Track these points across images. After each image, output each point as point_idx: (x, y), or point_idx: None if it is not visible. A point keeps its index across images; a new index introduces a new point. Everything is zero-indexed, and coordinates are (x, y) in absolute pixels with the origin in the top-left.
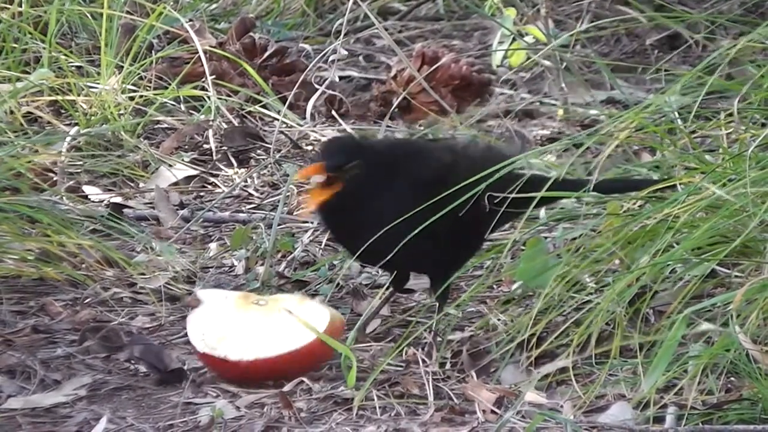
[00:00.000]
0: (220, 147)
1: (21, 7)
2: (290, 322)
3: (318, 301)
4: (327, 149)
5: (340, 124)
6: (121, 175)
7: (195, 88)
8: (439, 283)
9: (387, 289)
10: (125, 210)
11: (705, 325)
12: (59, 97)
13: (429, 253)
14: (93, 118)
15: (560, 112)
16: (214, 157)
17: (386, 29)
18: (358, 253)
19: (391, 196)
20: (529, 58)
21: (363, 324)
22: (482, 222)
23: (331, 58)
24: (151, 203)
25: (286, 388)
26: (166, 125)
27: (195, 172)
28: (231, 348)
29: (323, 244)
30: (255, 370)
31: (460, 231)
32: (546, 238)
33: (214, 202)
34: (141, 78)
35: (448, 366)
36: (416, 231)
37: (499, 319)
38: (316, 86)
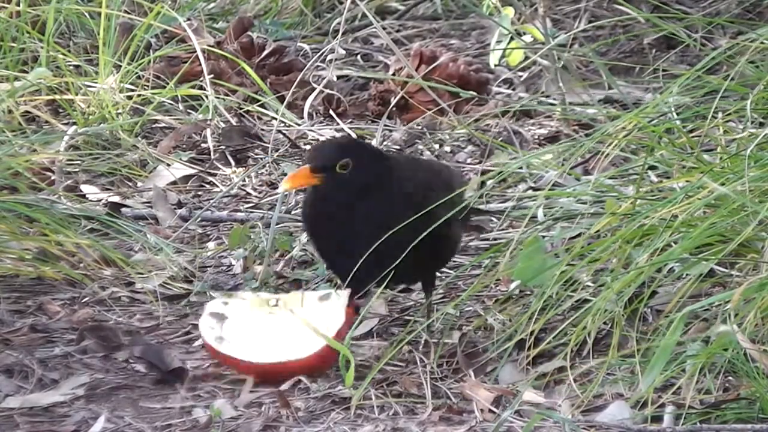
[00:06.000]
0: (218, 146)
1: (19, 6)
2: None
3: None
4: (316, 149)
5: (338, 124)
6: (119, 174)
7: (193, 87)
8: (429, 285)
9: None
10: (123, 209)
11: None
12: (57, 97)
13: (419, 265)
14: (91, 117)
15: (558, 111)
16: (212, 157)
17: (384, 28)
18: (349, 277)
19: (380, 205)
20: (527, 58)
21: (357, 326)
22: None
23: (328, 58)
24: (149, 202)
25: (284, 387)
26: (164, 124)
27: (193, 172)
28: (239, 348)
29: None
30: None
31: (443, 241)
32: (544, 237)
33: (212, 201)
34: (139, 77)
35: (445, 365)
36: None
37: (496, 319)
38: (314, 85)
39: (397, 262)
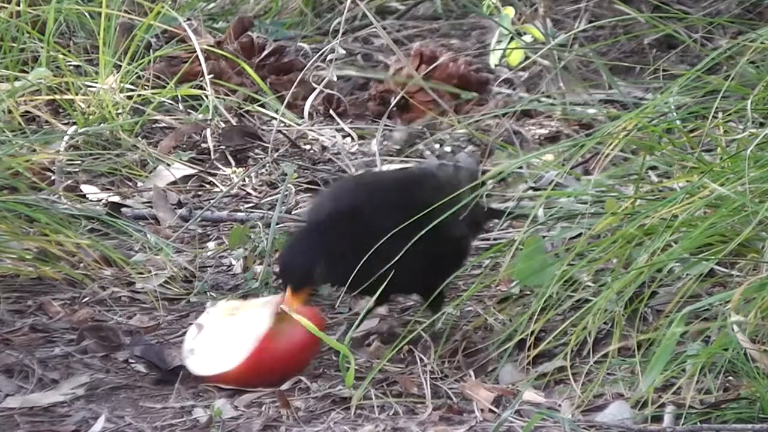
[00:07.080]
0: (218, 146)
1: (19, 6)
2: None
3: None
4: (284, 271)
5: (338, 123)
6: (119, 174)
7: (193, 87)
8: (430, 296)
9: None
10: (123, 209)
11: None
12: (57, 96)
13: (423, 276)
14: (91, 117)
15: (558, 111)
16: (212, 157)
17: (384, 28)
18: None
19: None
20: (527, 58)
21: (357, 326)
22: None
23: (329, 57)
24: (149, 202)
25: (285, 387)
26: (164, 124)
27: (193, 172)
28: (198, 360)
29: None
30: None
31: (449, 249)
32: (544, 237)
33: (212, 201)
34: (139, 77)
35: (445, 365)
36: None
37: (496, 319)
38: (314, 85)
39: (391, 264)
